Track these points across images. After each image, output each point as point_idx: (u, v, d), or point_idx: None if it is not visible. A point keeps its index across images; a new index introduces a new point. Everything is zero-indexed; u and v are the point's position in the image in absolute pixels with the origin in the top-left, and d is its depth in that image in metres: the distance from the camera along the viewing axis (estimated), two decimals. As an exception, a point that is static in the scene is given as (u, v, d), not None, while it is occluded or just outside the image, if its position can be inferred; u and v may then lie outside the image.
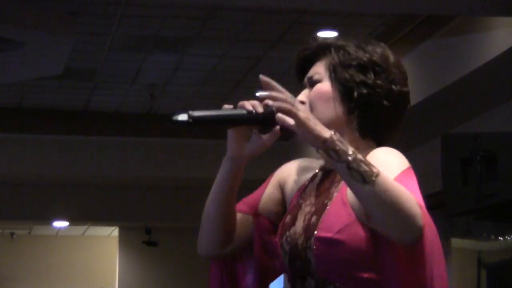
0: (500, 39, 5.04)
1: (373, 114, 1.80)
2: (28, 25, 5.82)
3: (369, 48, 1.85)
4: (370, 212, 1.60)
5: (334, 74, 1.81)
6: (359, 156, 1.60)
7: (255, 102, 1.75)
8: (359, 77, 1.79)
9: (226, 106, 1.78)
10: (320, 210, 1.75)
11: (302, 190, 1.87)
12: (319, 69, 1.84)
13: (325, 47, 1.86)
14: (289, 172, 1.92)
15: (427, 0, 4.50)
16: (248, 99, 1.79)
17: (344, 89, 1.80)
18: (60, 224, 10.92)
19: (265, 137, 1.80)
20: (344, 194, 1.72)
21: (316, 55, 1.88)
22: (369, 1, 4.53)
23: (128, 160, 8.50)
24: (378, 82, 1.80)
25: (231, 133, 1.81)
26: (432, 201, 6.58)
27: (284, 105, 1.64)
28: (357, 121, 1.79)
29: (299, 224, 1.78)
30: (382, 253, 1.65)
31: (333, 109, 1.80)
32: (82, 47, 6.62)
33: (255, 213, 1.89)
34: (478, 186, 3.76)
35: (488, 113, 5.95)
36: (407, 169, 1.72)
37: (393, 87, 1.82)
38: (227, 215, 1.84)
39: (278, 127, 1.75)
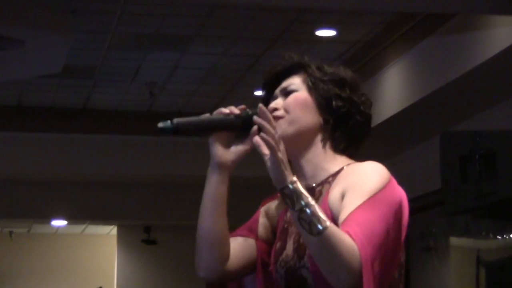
0: (499, 37, 5.05)
1: (347, 127, 1.86)
2: (28, 23, 5.83)
3: (341, 69, 1.92)
4: (313, 257, 1.70)
5: (313, 85, 1.87)
6: (313, 208, 1.66)
7: (232, 107, 1.84)
8: (336, 90, 1.86)
9: (205, 115, 1.85)
10: None
11: (285, 214, 1.91)
12: (294, 81, 1.89)
13: (300, 65, 1.91)
14: (269, 205, 1.97)
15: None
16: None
17: (322, 100, 1.86)
18: (59, 222, 10.92)
19: (245, 141, 1.85)
20: (327, 209, 1.78)
21: (288, 72, 1.92)
22: (368, 0, 4.54)
23: (127, 158, 8.50)
24: (353, 97, 1.87)
25: (213, 141, 1.85)
26: (431, 199, 6.61)
27: (271, 140, 1.70)
28: (331, 132, 1.86)
29: (290, 247, 1.84)
30: None
31: (310, 116, 1.85)
32: (81, 45, 6.62)
33: (256, 236, 1.93)
34: (477, 184, 3.77)
35: (488, 111, 5.96)
36: (378, 193, 1.75)
37: (365, 104, 1.89)
38: (223, 227, 1.86)
39: (255, 127, 1.79)
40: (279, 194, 1.91)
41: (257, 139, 1.73)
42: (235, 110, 1.83)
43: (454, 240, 6.73)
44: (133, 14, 6.06)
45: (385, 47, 6.47)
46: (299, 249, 1.80)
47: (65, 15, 5.98)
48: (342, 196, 1.77)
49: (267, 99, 1.93)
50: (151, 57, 6.94)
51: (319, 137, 1.86)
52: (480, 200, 3.75)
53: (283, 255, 1.84)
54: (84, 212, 9.56)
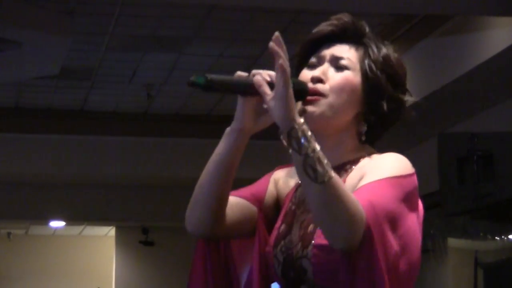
0: (496, 38, 5.05)
1: (383, 125, 1.76)
2: (25, 25, 5.82)
3: (397, 57, 1.77)
4: (312, 210, 1.57)
5: (370, 74, 1.72)
6: (319, 154, 1.53)
7: (272, 73, 1.64)
8: (390, 90, 1.73)
9: (240, 73, 1.69)
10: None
11: (293, 194, 1.80)
12: (350, 55, 1.74)
13: (360, 35, 1.77)
14: (281, 174, 1.85)
15: (423, 0, 4.51)
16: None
17: (374, 93, 1.71)
18: (57, 224, 10.91)
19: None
20: None
21: (345, 37, 1.78)
22: (365, 1, 4.53)
23: (125, 159, 8.50)
24: (403, 101, 1.75)
25: (242, 103, 1.71)
26: (429, 201, 6.59)
27: (286, 73, 1.55)
28: (364, 127, 1.73)
29: (295, 233, 1.72)
30: None
31: (352, 105, 1.71)
32: (79, 46, 6.62)
33: (260, 207, 1.80)
34: (474, 185, 3.77)
35: (485, 112, 5.96)
36: (397, 177, 1.63)
37: (405, 100, 1.77)
38: (223, 192, 1.73)
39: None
40: (287, 170, 1.82)
41: (258, 78, 1.60)
42: (268, 77, 1.66)
43: (452, 242, 6.74)
44: (130, 16, 6.06)
45: (383, 48, 6.47)
46: (305, 237, 1.69)
47: (62, 16, 5.97)
48: (359, 181, 1.65)
49: (306, 55, 1.79)
50: (148, 58, 6.94)
51: (352, 125, 1.73)
52: (477, 202, 3.74)
53: (286, 240, 1.73)
54: (82, 213, 9.56)
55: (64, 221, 10.32)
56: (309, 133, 1.54)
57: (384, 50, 1.75)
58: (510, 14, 4.74)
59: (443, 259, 6.77)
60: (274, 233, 1.76)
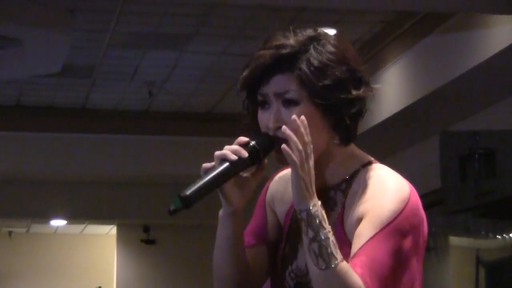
0: (499, 36, 5.05)
1: (356, 124, 1.69)
2: (26, 22, 5.82)
3: (332, 49, 1.64)
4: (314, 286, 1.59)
5: (315, 97, 1.62)
6: (326, 242, 1.55)
7: (236, 148, 1.63)
8: (343, 95, 1.63)
9: (206, 165, 1.64)
10: None
11: (292, 211, 1.74)
12: (290, 86, 1.63)
13: (286, 60, 1.63)
14: (275, 189, 1.80)
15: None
16: (237, 140, 1.67)
17: (331, 113, 1.64)
18: (58, 222, 10.92)
19: (252, 174, 1.69)
20: (341, 227, 1.66)
21: (275, 66, 1.64)
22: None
23: (126, 157, 8.51)
24: (361, 94, 1.66)
25: (226, 189, 1.66)
26: (430, 198, 6.60)
27: (293, 155, 1.56)
28: (342, 135, 1.68)
29: (301, 258, 1.69)
30: None
31: (319, 134, 1.64)
32: (80, 44, 6.62)
33: (267, 243, 1.76)
34: (476, 183, 3.77)
35: (487, 110, 5.95)
36: (397, 218, 1.61)
37: (369, 88, 1.68)
38: (243, 266, 1.72)
39: (265, 161, 1.66)
40: (279, 182, 1.78)
41: (285, 147, 1.56)
42: (243, 153, 1.62)
43: (453, 240, 6.73)
44: (132, 13, 6.06)
45: (385, 46, 6.47)
46: None
47: (64, 14, 5.97)
48: (359, 221, 1.62)
49: (252, 94, 1.69)
50: (150, 56, 6.94)
51: (331, 143, 1.67)
52: (479, 199, 3.74)
53: (294, 266, 1.71)
54: (83, 211, 9.56)
55: (66, 219, 10.32)
56: (321, 218, 1.55)
57: (315, 58, 1.63)
58: (511, 12, 4.74)
59: (444, 257, 6.77)
60: (280, 252, 1.75)
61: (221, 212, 1.70)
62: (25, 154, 8.33)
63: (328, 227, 1.56)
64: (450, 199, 3.92)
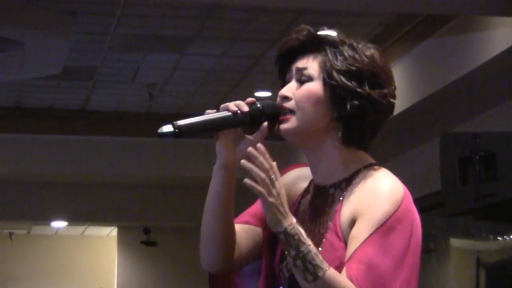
0: (499, 39, 5.04)
1: (360, 124, 1.74)
2: (27, 25, 5.82)
3: (367, 53, 1.76)
4: None
5: (328, 77, 1.72)
6: (309, 256, 1.62)
7: (239, 102, 1.71)
8: (354, 86, 1.72)
9: (209, 111, 1.72)
10: (317, 242, 1.71)
11: (296, 206, 1.81)
12: (312, 64, 1.75)
13: (318, 42, 1.76)
14: (289, 182, 1.84)
15: (426, 0, 4.51)
16: (246, 99, 1.74)
17: (337, 96, 1.72)
18: (59, 224, 10.92)
19: (253, 137, 1.74)
20: (338, 225, 1.70)
21: (306, 47, 1.77)
22: (368, 1, 4.53)
23: (126, 159, 8.50)
24: (372, 94, 1.72)
25: (219, 139, 1.72)
26: (431, 201, 6.59)
27: (258, 186, 1.63)
28: (342, 130, 1.73)
29: None
30: None
31: (320, 113, 1.73)
32: (81, 46, 6.62)
33: (264, 226, 1.80)
34: (477, 186, 3.76)
35: (487, 112, 5.95)
36: (390, 218, 1.66)
37: (384, 101, 1.75)
38: (227, 227, 1.76)
39: (265, 124, 1.72)
40: (288, 179, 1.83)
41: (247, 181, 1.62)
42: (244, 107, 1.70)
43: (454, 242, 6.73)
44: (132, 16, 6.06)
45: (385, 48, 6.47)
46: None
47: (64, 16, 5.97)
48: (353, 221, 1.68)
49: (283, 71, 1.79)
50: (150, 58, 6.94)
51: (330, 134, 1.74)
52: (480, 202, 3.74)
53: (289, 259, 1.73)
54: (84, 213, 9.56)
55: (66, 221, 10.32)
56: (298, 235, 1.62)
57: (346, 50, 1.75)
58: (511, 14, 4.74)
59: (445, 259, 6.76)
60: (280, 246, 1.78)
61: (215, 166, 1.75)
62: (25, 156, 8.33)
63: (307, 240, 1.63)
64: (450, 202, 3.91)
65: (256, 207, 1.84)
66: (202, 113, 1.73)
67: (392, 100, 1.76)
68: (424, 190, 6.53)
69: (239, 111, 1.70)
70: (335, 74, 1.72)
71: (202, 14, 5.99)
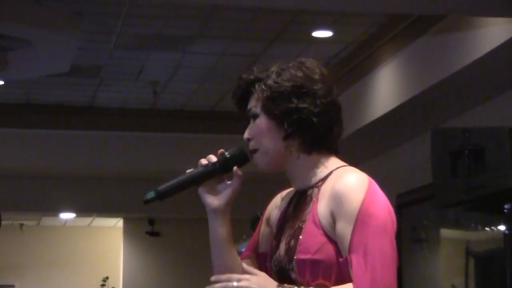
0: (488, 37, 5.04)
1: (308, 132, 1.86)
2: (36, 24, 5.81)
3: (289, 72, 1.88)
4: None
5: (263, 108, 1.88)
6: None
7: (209, 156, 1.90)
8: (284, 106, 1.85)
9: (188, 170, 1.92)
10: (297, 233, 1.84)
11: (283, 215, 1.95)
12: (254, 103, 1.91)
13: (250, 84, 1.92)
14: (272, 206, 2.01)
15: (418, 0, 4.49)
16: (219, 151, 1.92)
17: (276, 120, 1.87)
18: (67, 215, 10.91)
19: (231, 181, 1.91)
20: (315, 215, 1.83)
21: (248, 90, 1.93)
22: (362, 2, 4.52)
23: (132, 153, 8.50)
24: (302, 105, 1.85)
25: (201, 191, 1.92)
26: (422, 193, 6.58)
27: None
28: (297, 143, 1.87)
29: (282, 248, 1.88)
30: (342, 265, 1.79)
31: (273, 140, 1.87)
32: (87, 45, 6.61)
33: (256, 253, 1.99)
34: (466, 178, 3.75)
35: (477, 109, 5.95)
36: (360, 208, 1.77)
37: (318, 105, 1.86)
38: (232, 261, 1.92)
39: (235, 168, 1.88)
40: (278, 198, 2.02)
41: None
42: (212, 159, 1.89)
43: (444, 232, 6.73)
44: (136, 16, 6.05)
45: (379, 47, 6.46)
46: (289, 252, 1.85)
47: (72, 16, 5.96)
48: (332, 216, 1.80)
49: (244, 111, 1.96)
50: (154, 57, 6.93)
51: (290, 151, 1.88)
52: (469, 194, 3.73)
53: (276, 254, 1.89)
54: (91, 205, 9.56)
55: (74, 212, 10.32)
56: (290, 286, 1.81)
57: (272, 79, 1.88)
58: (501, 14, 4.72)
59: (436, 249, 6.76)
60: (269, 248, 1.95)
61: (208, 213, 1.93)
62: (34, 151, 8.32)
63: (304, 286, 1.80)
64: (441, 194, 3.90)
65: (253, 238, 2.03)
66: (184, 171, 1.93)
67: (327, 99, 1.87)
68: (416, 183, 6.52)
69: (209, 163, 1.89)
70: (266, 103, 1.87)
71: (204, 14, 5.98)
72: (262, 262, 1.97)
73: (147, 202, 1.91)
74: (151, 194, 1.90)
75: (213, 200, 1.91)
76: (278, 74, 1.89)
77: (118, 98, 8.16)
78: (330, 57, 6.89)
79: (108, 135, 8.44)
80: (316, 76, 1.88)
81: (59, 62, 6.54)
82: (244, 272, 1.90)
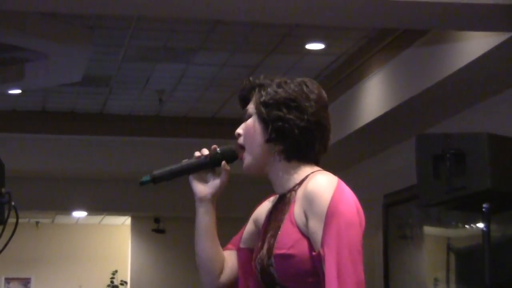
0: (468, 50, 5.04)
1: (289, 141, 1.89)
2: (51, 38, 5.82)
3: (289, 86, 1.92)
4: None
5: (257, 110, 1.92)
6: None
7: (203, 149, 1.97)
8: (274, 112, 1.90)
9: (184, 161, 1.97)
10: (276, 231, 1.88)
11: (268, 218, 1.98)
12: (251, 105, 1.96)
13: (253, 87, 1.96)
14: (260, 209, 2.04)
15: (404, 15, 4.51)
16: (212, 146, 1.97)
17: (264, 124, 1.91)
18: (79, 214, 10.90)
19: (220, 175, 1.96)
20: (292, 215, 1.86)
21: (250, 93, 1.97)
22: (353, 16, 4.53)
23: (139, 157, 8.49)
24: (289, 116, 1.89)
25: (191, 180, 1.97)
26: (408, 193, 6.58)
27: None
28: (279, 149, 1.90)
29: (265, 247, 1.90)
30: (315, 260, 1.81)
31: (256, 141, 1.92)
32: (98, 57, 6.61)
33: (238, 248, 2.02)
34: (448, 180, 3.76)
35: (458, 116, 5.95)
36: (329, 205, 1.79)
37: (304, 121, 1.89)
38: (213, 249, 1.97)
39: (223, 162, 1.94)
40: (265, 203, 2.04)
41: None
42: (205, 152, 1.96)
43: (427, 229, 6.73)
44: (144, 30, 6.05)
45: (368, 58, 6.46)
46: (269, 249, 1.87)
47: (84, 30, 5.97)
48: (305, 215, 1.83)
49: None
50: (160, 67, 6.93)
51: (272, 154, 1.91)
52: (450, 194, 3.74)
53: (260, 254, 1.91)
54: (101, 204, 9.55)
55: (86, 211, 10.31)
56: None
57: (271, 87, 1.93)
58: (480, 29, 4.73)
59: (420, 245, 6.76)
60: (255, 249, 1.96)
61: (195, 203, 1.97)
62: (49, 154, 8.31)
63: None
64: (425, 194, 3.91)
65: (236, 235, 2.04)
66: (180, 159, 1.99)
67: (314, 118, 1.90)
68: (402, 184, 6.52)
69: (201, 155, 1.96)
70: (259, 106, 1.92)
71: (206, 28, 5.98)
72: (242, 257, 2.00)
73: (142, 184, 1.95)
74: (146, 177, 1.95)
75: (201, 189, 1.96)
76: (279, 85, 1.93)
77: (126, 105, 8.16)
78: (322, 68, 6.90)
79: (118, 140, 8.43)
80: (312, 96, 1.92)
81: (72, 73, 6.54)
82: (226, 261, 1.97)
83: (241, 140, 1.94)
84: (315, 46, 6.37)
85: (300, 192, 1.87)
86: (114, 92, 7.68)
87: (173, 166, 1.96)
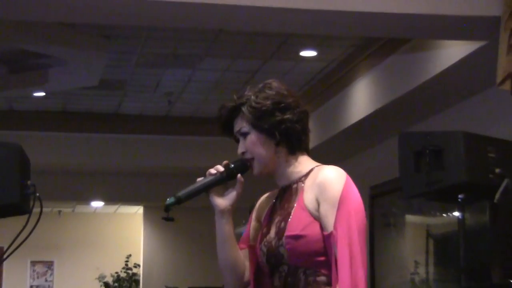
0: (446, 56, 5.04)
1: (293, 137, 1.92)
2: (71, 46, 5.81)
3: (266, 93, 1.92)
4: None
5: (254, 126, 1.91)
6: None
7: (217, 166, 1.94)
8: (271, 120, 1.90)
9: (198, 179, 1.95)
10: (286, 217, 1.89)
11: (271, 210, 1.99)
12: (242, 124, 1.94)
13: (237, 108, 1.95)
14: (260, 205, 2.04)
15: (388, 26, 4.50)
16: (223, 162, 1.97)
17: (268, 132, 1.91)
18: (97, 204, 10.90)
19: (235, 187, 1.96)
20: (302, 201, 1.87)
21: (232, 114, 1.97)
22: (342, 27, 4.52)
23: (150, 153, 8.49)
24: (286, 116, 1.90)
25: (211, 195, 1.95)
26: (392, 185, 6.57)
27: None
28: (286, 148, 1.92)
29: (272, 231, 1.91)
30: (326, 239, 1.82)
31: (266, 150, 1.91)
32: (114, 63, 6.60)
33: (249, 245, 2.01)
34: (427, 174, 3.75)
35: (437, 116, 5.95)
36: (342, 192, 1.82)
37: (296, 113, 1.91)
38: (235, 255, 1.96)
39: (239, 175, 1.92)
40: (265, 197, 2.05)
41: None
42: (220, 169, 1.93)
43: (409, 218, 6.73)
44: (154, 39, 6.04)
45: (356, 64, 6.46)
46: (279, 232, 1.88)
47: (101, 39, 5.96)
48: (317, 201, 1.85)
49: (229, 134, 1.99)
50: (169, 72, 6.92)
51: (280, 154, 1.92)
52: (430, 187, 3.73)
53: (267, 237, 1.92)
54: (117, 195, 9.55)
55: (103, 201, 10.31)
56: None
57: (253, 101, 1.91)
58: (457, 38, 4.73)
59: (402, 232, 6.76)
60: (259, 235, 1.97)
61: (215, 215, 1.96)
62: (70, 150, 8.31)
63: None
64: (406, 186, 3.90)
65: (244, 234, 2.03)
66: (196, 177, 1.97)
67: (301, 108, 1.93)
68: (386, 177, 6.52)
69: (218, 172, 1.93)
70: (254, 121, 1.91)
71: (210, 37, 5.98)
72: (252, 252, 1.99)
73: (168, 206, 1.94)
74: (171, 200, 1.92)
75: (221, 202, 1.94)
76: (256, 96, 1.92)
77: (139, 106, 8.16)
78: (315, 73, 6.89)
79: (131, 138, 8.43)
80: (285, 92, 1.93)
81: (90, 77, 6.53)
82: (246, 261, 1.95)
83: (248, 155, 1.94)
84: (308, 53, 6.37)
85: (309, 182, 1.88)
86: (128, 94, 7.67)
87: (194, 186, 1.94)
